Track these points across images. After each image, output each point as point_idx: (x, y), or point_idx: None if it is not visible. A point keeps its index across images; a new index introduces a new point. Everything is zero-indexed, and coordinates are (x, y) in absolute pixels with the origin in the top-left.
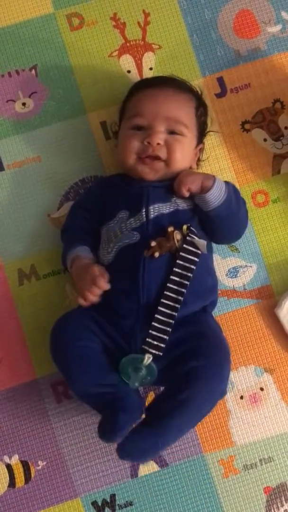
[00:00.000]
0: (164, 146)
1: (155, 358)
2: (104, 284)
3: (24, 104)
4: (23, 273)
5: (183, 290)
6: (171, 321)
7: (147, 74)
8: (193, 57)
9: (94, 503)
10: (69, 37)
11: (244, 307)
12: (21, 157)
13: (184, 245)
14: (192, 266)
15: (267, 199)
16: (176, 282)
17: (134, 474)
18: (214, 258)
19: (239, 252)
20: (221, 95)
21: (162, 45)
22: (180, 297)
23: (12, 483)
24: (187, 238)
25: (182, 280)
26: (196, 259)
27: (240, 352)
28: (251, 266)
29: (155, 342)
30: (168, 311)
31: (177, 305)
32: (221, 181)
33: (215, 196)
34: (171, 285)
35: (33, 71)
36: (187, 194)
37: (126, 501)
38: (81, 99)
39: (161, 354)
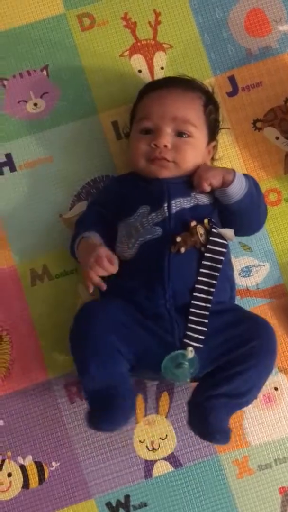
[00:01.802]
0: (172, 149)
1: (196, 350)
2: (108, 266)
3: (35, 104)
4: (35, 273)
5: (214, 281)
6: (206, 312)
7: (158, 73)
8: (204, 56)
9: (108, 504)
10: (80, 37)
11: (257, 306)
12: (33, 158)
13: (211, 238)
14: (221, 257)
15: (279, 198)
16: (206, 274)
17: (148, 474)
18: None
19: (252, 251)
20: (232, 93)
21: (173, 45)
22: (212, 289)
23: (26, 484)
24: (213, 230)
25: (212, 272)
26: (223, 249)
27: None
28: (264, 265)
29: (195, 335)
30: (202, 304)
31: (210, 297)
32: (241, 174)
33: (237, 189)
34: (202, 278)
35: (44, 72)
36: (208, 189)
37: (141, 502)
38: (93, 99)
39: (201, 346)
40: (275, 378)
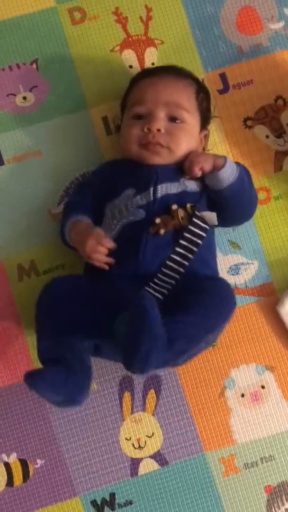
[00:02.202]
0: (165, 133)
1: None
2: (109, 243)
3: (24, 98)
4: (22, 269)
5: (186, 262)
6: (168, 286)
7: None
8: (196, 53)
9: (93, 502)
10: (70, 31)
11: (245, 304)
12: (21, 151)
13: (194, 219)
14: (199, 241)
15: (269, 196)
16: (180, 254)
17: (134, 472)
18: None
19: (241, 249)
20: (223, 91)
21: (164, 40)
22: (181, 269)
23: (10, 482)
24: (196, 212)
25: (186, 253)
26: (203, 234)
27: (241, 349)
28: (252, 263)
29: (151, 291)
30: (167, 279)
31: (176, 275)
32: (232, 161)
33: (228, 173)
34: (174, 256)
35: (34, 65)
36: (199, 174)
37: (126, 500)
38: (82, 94)
39: (160, 297)
40: (262, 377)
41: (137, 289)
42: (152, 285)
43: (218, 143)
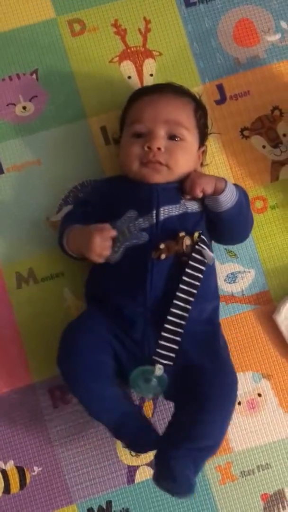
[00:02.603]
0: (165, 152)
1: (166, 368)
2: (111, 231)
3: (24, 107)
4: (21, 277)
5: (191, 298)
6: (180, 330)
7: (148, 80)
8: (193, 64)
9: (90, 510)
10: (70, 42)
11: (242, 312)
12: (21, 161)
13: (193, 254)
14: (200, 275)
15: (265, 205)
16: (184, 291)
17: (130, 480)
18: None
19: (238, 257)
20: (220, 102)
21: (163, 52)
22: (188, 306)
23: (7, 489)
24: (196, 247)
25: (190, 289)
26: (203, 267)
27: (237, 357)
28: (249, 272)
29: (166, 352)
30: (177, 320)
31: (185, 314)
32: (231, 183)
33: (228, 198)
34: (180, 294)
35: (34, 76)
36: (200, 195)
37: (122, 508)
38: (82, 104)
39: (171, 364)
40: (259, 385)
41: (151, 333)
42: (165, 329)
43: (216, 153)
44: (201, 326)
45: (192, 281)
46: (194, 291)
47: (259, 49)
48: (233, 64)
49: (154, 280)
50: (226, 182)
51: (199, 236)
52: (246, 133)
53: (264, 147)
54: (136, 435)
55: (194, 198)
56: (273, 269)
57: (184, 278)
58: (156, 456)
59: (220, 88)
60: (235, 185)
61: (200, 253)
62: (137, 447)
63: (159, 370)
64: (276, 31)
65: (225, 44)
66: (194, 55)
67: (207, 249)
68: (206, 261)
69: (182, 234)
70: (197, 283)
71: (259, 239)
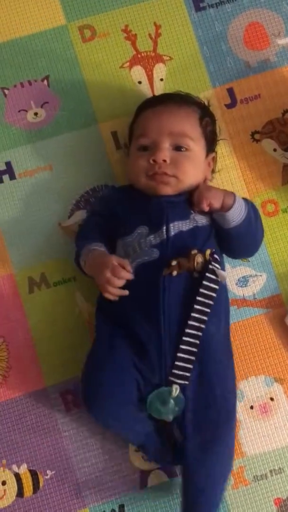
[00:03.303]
0: (171, 163)
1: (182, 388)
2: (125, 274)
3: (36, 114)
4: (33, 281)
5: (205, 318)
6: (195, 349)
7: (158, 85)
8: (204, 68)
9: None
10: (81, 48)
11: (254, 316)
12: (33, 166)
13: (207, 274)
14: (214, 294)
15: (277, 209)
16: (199, 310)
17: (143, 484)
18: (224, 266)
19: (249, 261)
20: (231, 105)
21: (173, 57)
22: (202, 325)
23: (20, 492)
24: (210, 266)
25: (204, 308)
26: (216, 287)
27: (250, 361)
28: (261, 275)
29: (181, 372)
30: (192, 340)
31: (199, 333)
32: (241, 198)
33: (236, 215)
34: (194, 314)
35: (45, 82)
36: (207, 209)
37: None
38: (93, 110)
39: (187, 383)
40: (271, 389)
41: (166, 354)
42: (181, 349)
43: (226, 157)
44: (217, 342)
45: (206, 301)
46: (208, 310)
47: (270, 53)
48: (244, 68)
49: (167, 297)
50: (235, 198)
51: (211, 254)
52: (257, 136)
53: (275, 150)
54: (156, 454)
55: (202, 212)
56: (285, 273)
57: (198, 298)
58: None
59: (230, 92)
60: (245, 200)
61: (213, 272)
62: (157, 461)
63: (176, 390)
64: (287, 34)
65: (235, 47)
66: (205, 59)
67: (219, 268)
68: (219, 279)
69: (194, 251)
70: (211, 302)
71: (271, 242)
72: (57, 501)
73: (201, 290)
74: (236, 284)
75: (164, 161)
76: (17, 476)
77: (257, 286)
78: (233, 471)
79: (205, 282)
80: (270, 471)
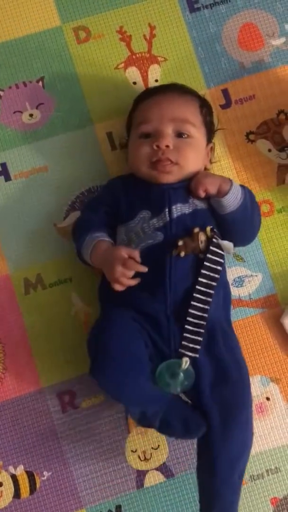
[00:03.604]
0: (174, 149)
1: (192, 360)
2: (136, 266)
3: (31, 115)
4: (29, 282)
5: (211, 291)
6: (203, 322)
7: (153, 85)
8: (198, 69)
9: None
10: (76, 49)
11: (249, 316)
12: (28, 167)
13: (211, 247)
14: (219, 267)
15: (272, 209)
16: (204, 284)
17: (140, 485)
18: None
19: (245, 261)
20: (226, 106)
21: (168, 58)
22: (209, 298)
23: (17, 494)
24: (213, 240)
25: (209, 282)
26: (221, 260)
27: (246, 361)
28: (256, 276)
29: (191, 345)
30: (199, 313)
31: (206, 306)
32: (238, 185)
33: (231, 201)
34: (200, 287)
35: (40, 83)
36: (203, 195)
37: None
38: (88, 111)
39: (197, 356)
40: (267, 388)
41: (174, 327)
42: (188, 322)
43: (221, 157)
44: (220, 313)
45: (212, 274)
46: (214, 283)
47: (264, 53)
48: (238, 69)
49: (173, 277)
50: (231, 184)
51: (212, 230)
52: (251, 137)
53: (270, 150)
54: (187, 420)
55: (199, 198)
56: (280, 273)
57: (203, 271)
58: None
59: (225, 92)
60: (242, 187)
61: (218, 246)
62: (189, 433)
63: (185, 363)
64: (281, 35)
65: (229, 48)
66: (199, 60)
67: (223, 241)
68: (224, 252)
69: (196, 230)
70: (216, 275)
71: (266, 242)
72: (54, 502)
73: (206, 263)
74: (232, 284)
75: (167, 147)
76: (14, 478)
77: (253, 286)
78: None
79: (209, 256)
80: (267, 471)
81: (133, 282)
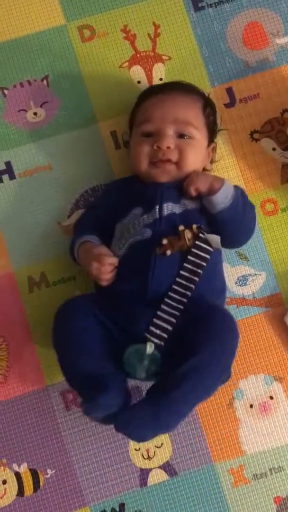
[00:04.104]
0: (175, 149)
1: (158, 347)
2: (108, 259)
3: (35, 113)
4: (33, 281)
5: (192, 285)
6: (176, 313)
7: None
8: (203, 68)
9: None
10: (80, 48)
11: (253, 315)
12: (33, 166)
13: (197, 242)
14: (203, 263)
15: (276, 208)
16: (186, 277)
17: (143, 483)
18: (223, 266)
19: (248, 260)
20: (230, 105)
21: (172, 56)
22: (188, 292)
23: (20, 491)
24: (200, 235)
25: (191, 276)
26: (207, 256)
27: (249, 360)
28: (260, 274)
29: (158, 331)
30: (175, 304)
31: (184, 299)
32: (230, 185)
33: (221, 199)
34: (180, 280)
35: (44, 82)
36: (194, 193)
37: (135, 511)
38: (92, 109)
39: (162, 343)
40: (271, 387)
41: (147, 313)
42: (162, 309)
43: (225, 156)
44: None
45: (194, 268)
46: (196, 278)
47: (268, 52)
48: (243, 67)
49: (156, 275)
50: (223, 183)
51: (198, 227)
52: (256, 136)
53: (274, 149)
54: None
55: (191, 197)
56: (284, 272)
57: (186, 265)
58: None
59: (229, 91)
60: (236, 187)
61: (205, 241)
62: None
63: (149, 347)
64: (285, 33)
65: (234, 47)
66: (203, 59)
67: (210, 235)
68: (211, 247)
69: (181, 227)
70: (199, 270)
71: (270, 241)
72: (58, 500)
73: (190, 257)
74: (236, 283)
75: (168, 148)
76: (18, 475)
77: (257, 285)
78: (233, 469)
79: (194, 250)
80: (270, 470)
81: (110, 274)
